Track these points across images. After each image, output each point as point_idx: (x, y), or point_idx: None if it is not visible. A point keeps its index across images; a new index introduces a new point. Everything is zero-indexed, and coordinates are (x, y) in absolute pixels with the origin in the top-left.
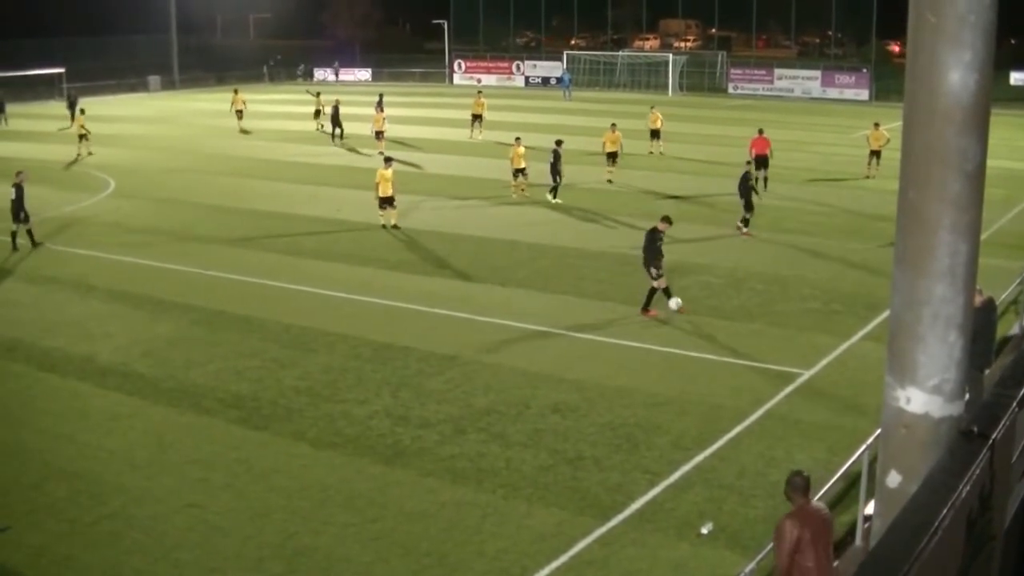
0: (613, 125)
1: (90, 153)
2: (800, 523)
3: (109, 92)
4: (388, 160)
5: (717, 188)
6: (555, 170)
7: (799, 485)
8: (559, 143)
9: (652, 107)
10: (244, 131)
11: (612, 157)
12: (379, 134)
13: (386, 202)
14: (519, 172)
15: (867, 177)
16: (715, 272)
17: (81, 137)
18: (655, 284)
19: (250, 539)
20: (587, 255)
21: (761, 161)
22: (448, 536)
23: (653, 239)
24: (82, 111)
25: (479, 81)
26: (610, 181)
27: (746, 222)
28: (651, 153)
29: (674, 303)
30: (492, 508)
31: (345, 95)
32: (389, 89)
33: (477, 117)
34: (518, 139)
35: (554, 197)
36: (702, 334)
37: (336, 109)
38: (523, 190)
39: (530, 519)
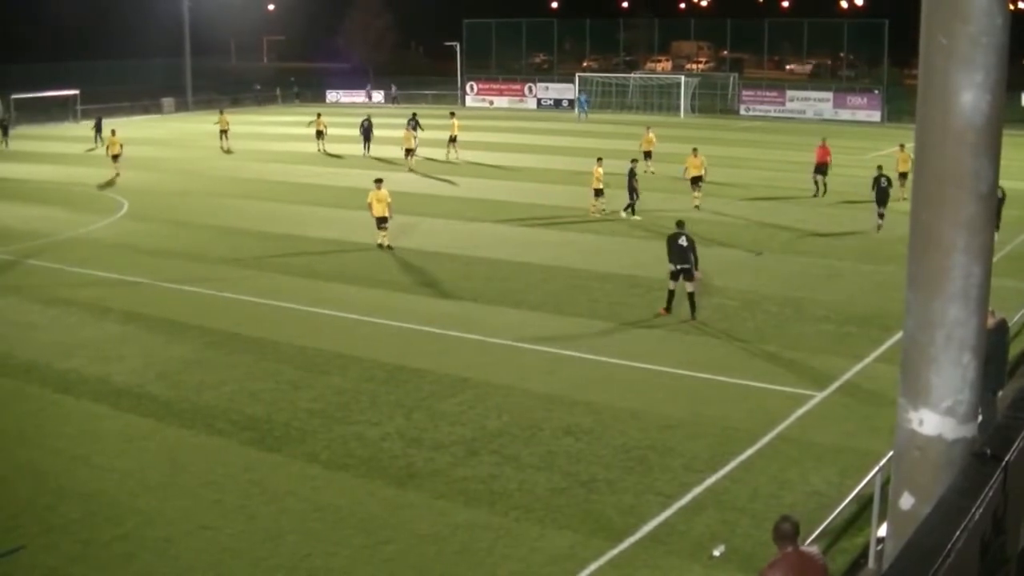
0: (695, 150)
1: (117, 174)
2: (785, 572)
3: (123, 114)
4: (379, 181)
5: (729, 210)
6: (631, 187)
7: (786, 532)
8: (634, 162)
9: (648, 128)
10: (227, 151)
11: (696, 182)
12: (409, 152)
13: (380, 222)
14: (599, 192)
15: (903, 199)
16: (728, 294)
17: (115, 157)
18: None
19: (263, 561)
20: (599, 276)
21: (821, 168)
22: (461, 558)
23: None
24: (112, 131)
25: (491, 103)
26: (697, 207)
27: (630, 208)
28: (645, 172)
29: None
30: (505, 530)
31: (376, 116)
32: (401, 112)
33: (452, 139)
34: (600, 160)
35: (632, 214)
36: (716, 356)
37: (368, 124)
38: (602, 210)
39: (543, 541)
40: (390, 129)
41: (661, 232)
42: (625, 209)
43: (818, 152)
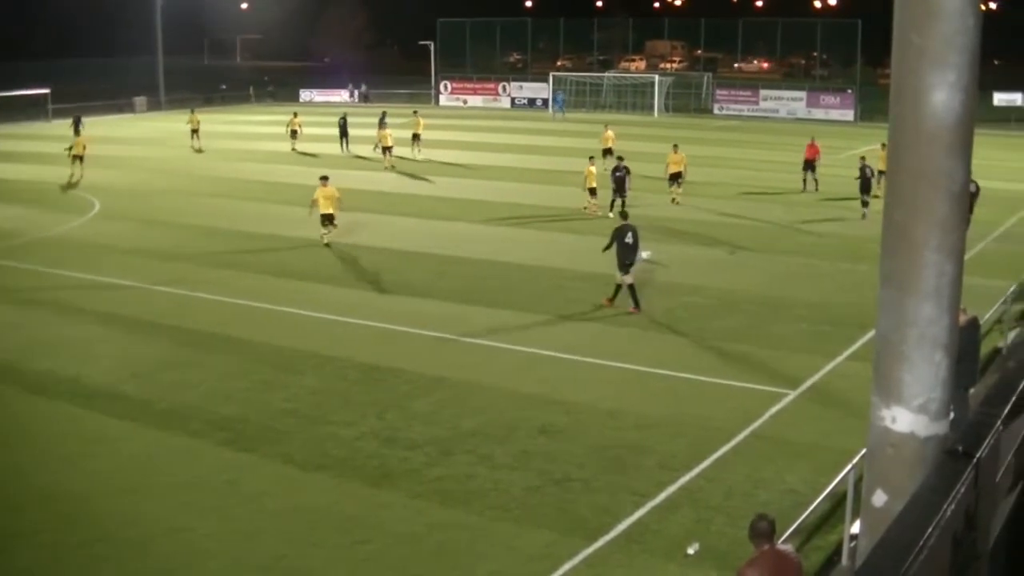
0: (675, 146)
1: (81, 176)
2: (762, 570)
3: (95, 113)
4: (324, 178)
5: (704, 209)
6: (622, 187)
7: (763, 530)
8: (620, 159)
9: (606, 126)
10: (198, 151)
11: (676, 178)
12: (386, 150)
13: (326, 219)
14: (593, 191)
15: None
16: (705, 293)
17: (78, 159)
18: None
19: (238, 562)
20: (577, 277)
21: (810, 164)
22: (437, 558)
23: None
24: (76, 132)
25: (465, 103)
26: (677, 202)
27: (612, 205)
28: (605, 170)
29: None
30: (480, 530)
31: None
32: (373, 110)
33: (415, 136)
34: (592, 159)
35: (610, 210)
36: (691, 355)
37: (344, 122)
38: (597, 208)
39: (518, 540)
40: (362, 128)
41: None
42: (611, 207)
43: (807, 149)
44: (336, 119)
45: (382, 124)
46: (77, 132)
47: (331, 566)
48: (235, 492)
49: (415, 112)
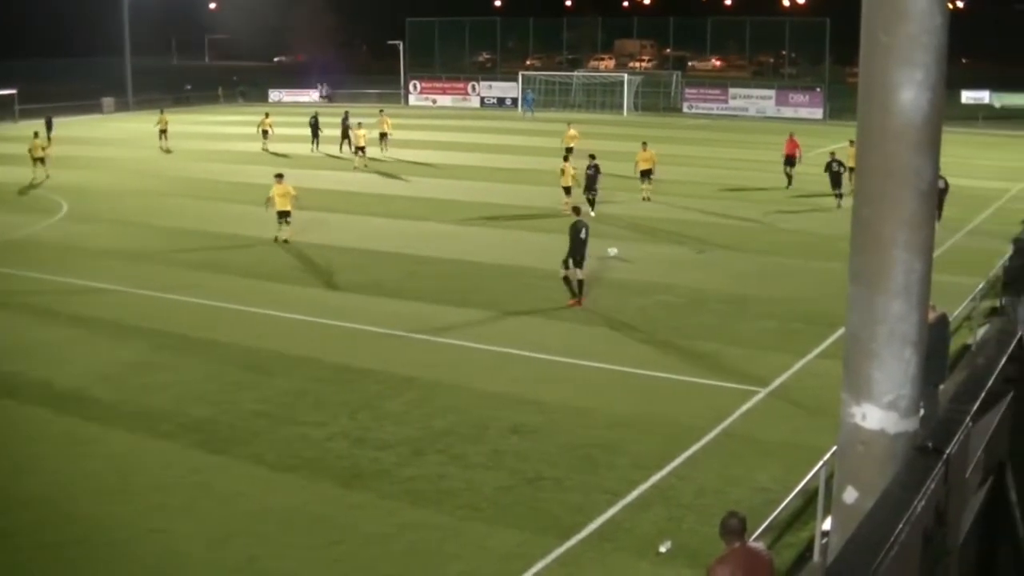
0: (644, 144)
1: (46, 176)
2: (733, 567)
3: (63, 114)
4: (279, 176)
5: (674, 207)
6: (592, 184)
7: (734, 528)
8: (592, 156)
9: (568, 124)
10: (166, 151)
11: (646, 175)
12: (359, 150)
13: (282, 216)
14: (567, 190)
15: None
16: (676, 292)
17: (39, 160)
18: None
19: (212, 564)
20: (548, 276)
21: (790, 160)
22: (409, 558)
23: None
24: (35, 133)
25: (434, 102)
26: (648, 199)
27: (591, 203)
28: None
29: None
30: (452, 529)
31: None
32: (336, 110)
33: (383, 136)
34: (567, 158)
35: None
36: (662, 353)
37: (315, 121)
38: (568, 206)
39: (491, 540)
40: (327, 128)
41: (609, 232)
42: (591, 206)
43: (787, 145)
44: (307, 119)
45: (347, 124)
46: (50, 132)
47: (303, 567)
48: (207, 494)
49: (381, 111)
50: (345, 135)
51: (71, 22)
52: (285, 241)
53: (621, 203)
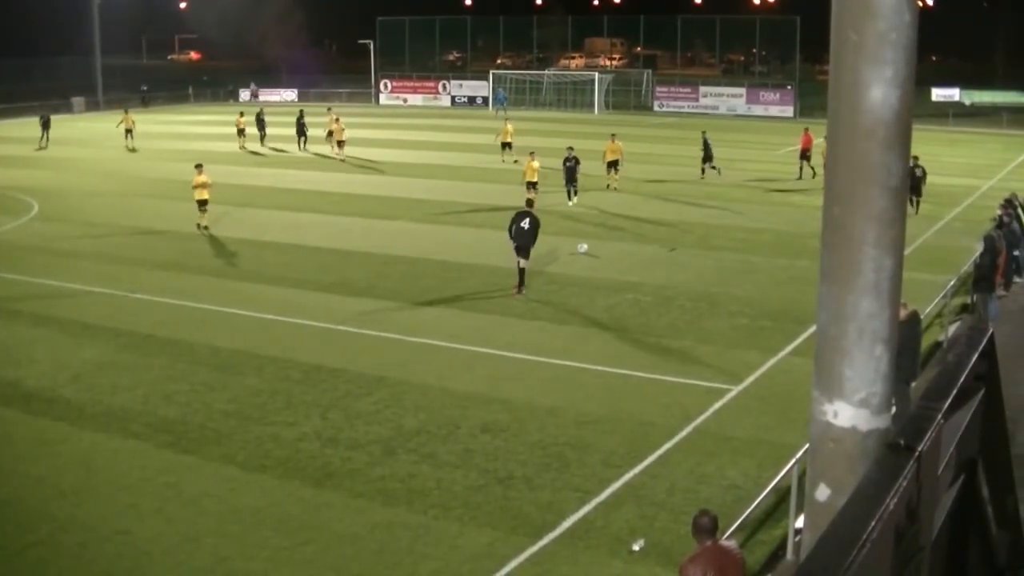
0: (613, 136)
1: None
2: (704, 566)
3: (32, 114)
4: (199, 166)
5: (644, 205)
6: (572, 176)
7: (705, 526)
8: (571, 149)
9: (506, 120)
10: (132, 150)
11: (613, 165)
12: (340, 144)
13: (201, 205)
14: (532, 185)
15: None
16: (643, 290)
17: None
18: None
19: (181, 565)
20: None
21: (804, 153)
22: (380, 558)
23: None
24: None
25: (405, 101)
26: (615, 188)
27: (571, 193)
28: (503, 162)
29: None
30: (423, 529)
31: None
32: (312, 108)
33: (330, 134)
34: (532, 154)
35: (570, 199)
36: (631, 352)
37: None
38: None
39: (462, 539)
40: (277, 127)
41: (578, 230)
42: (569, 196)
43: (803, 139)
44: (280, 118)
45: (303, 122)
46: (46, 132)
47: (273, 567)
48: (177, 494)
49: (329, 109)
50: (301, 133)
51: (41, 21)
52: (206, 228)
53: (591, 201)
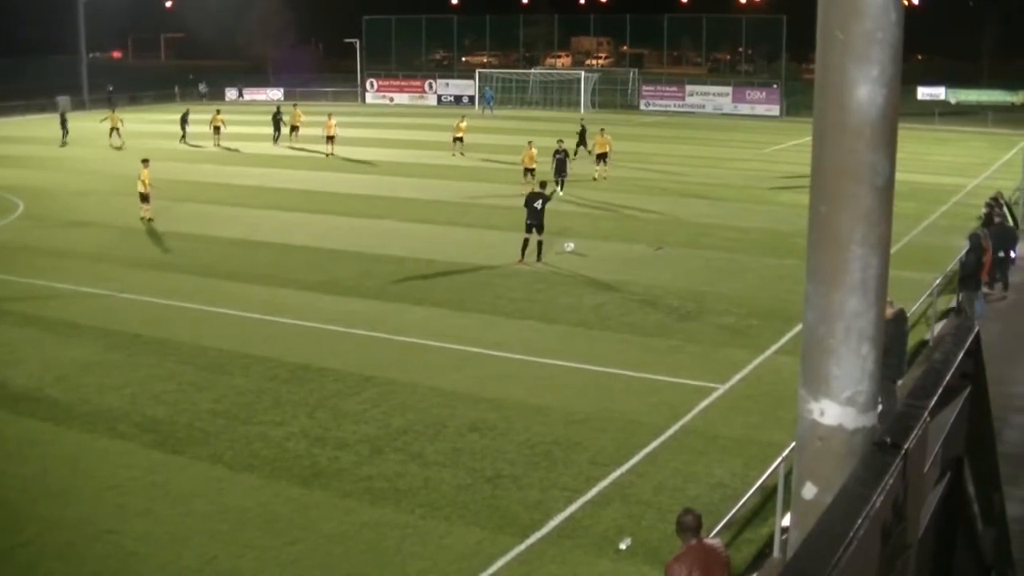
0: (602, 129)
1: None
2: (689, 565)
3: (18, 113)
4: (145, 161)
5: (631, 204)
6: (562, 168)
7: (689, 525)
8: (560, 141)
9: (462, 117)
10: (118, 148)
11: (602, 158)
12: (330, 139)
13: (143, 199)
14: (529, 172)
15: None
16: (631, 289)
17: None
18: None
19: (169, 564)
20: (502, 273)
21: None
22: (368, 557)
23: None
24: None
25: (391, 100)
26: (604, 178)
27: (560, 184)
28: (453, 156)
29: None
30: (411, 528)
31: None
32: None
33: (294, 128)
34: (531, 142)
35: (559, 190)
36: (619, 350)
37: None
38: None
39: (450, 538)
40: (238, 126)
41: (565, 228)
42: (559, 187)
43: None
44: (266, 116)
45: (279, 118)
46: (65, 128)
47: (261, 567)
48: (164, 494)
49: (295, 105)
50: (277, 128)
51: (27, 19)
52: (150, 220)
53: (578, 198)
